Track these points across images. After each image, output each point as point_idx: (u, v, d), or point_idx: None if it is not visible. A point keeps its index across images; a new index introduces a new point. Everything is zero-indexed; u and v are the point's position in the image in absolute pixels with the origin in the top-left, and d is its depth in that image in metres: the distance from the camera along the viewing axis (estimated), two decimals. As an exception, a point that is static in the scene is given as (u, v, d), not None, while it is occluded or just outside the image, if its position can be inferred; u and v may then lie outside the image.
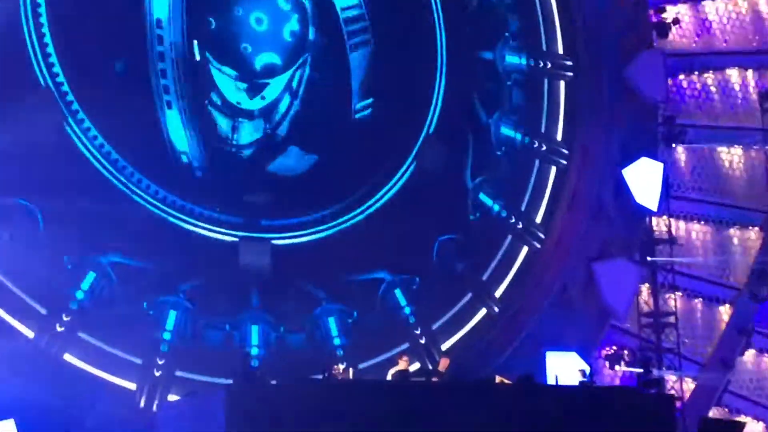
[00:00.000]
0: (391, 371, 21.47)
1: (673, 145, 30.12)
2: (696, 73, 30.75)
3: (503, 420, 19.49)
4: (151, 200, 25.36)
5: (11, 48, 24.30)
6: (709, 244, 30.55)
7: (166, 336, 24.89)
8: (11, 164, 23.79)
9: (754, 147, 30.51)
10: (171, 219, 25.50)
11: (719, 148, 30.67)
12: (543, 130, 29.02)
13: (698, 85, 30.88)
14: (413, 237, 27.09)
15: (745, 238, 30.78)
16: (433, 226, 27.59)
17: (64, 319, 24.06)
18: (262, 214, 26.32)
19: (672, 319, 29.12)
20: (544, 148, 28.80)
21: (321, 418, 18.38)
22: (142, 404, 24.29)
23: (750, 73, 30.94)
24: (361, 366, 25.62)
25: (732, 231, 30.70)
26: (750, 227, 30.70)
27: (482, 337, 27.27)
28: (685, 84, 30.79)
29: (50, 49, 24.53)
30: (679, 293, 29.70)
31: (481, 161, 28.51)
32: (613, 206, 28.79)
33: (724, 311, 30.24)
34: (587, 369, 23.61)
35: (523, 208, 28.66)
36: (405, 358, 21.99)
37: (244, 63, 26.35)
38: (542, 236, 28.40)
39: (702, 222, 30.59)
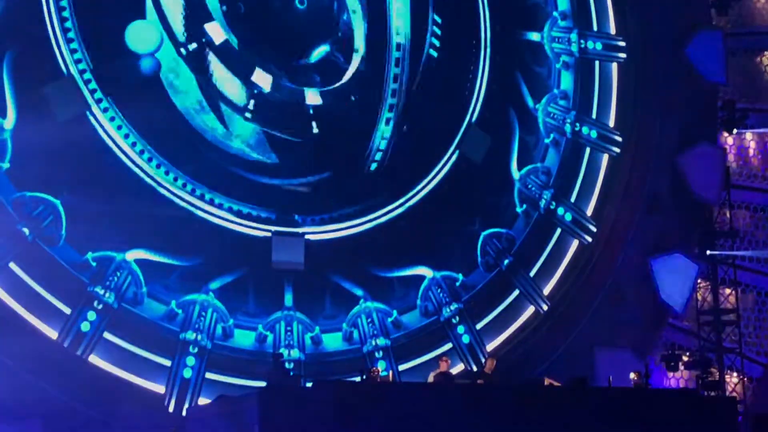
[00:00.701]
0: (432, 374, 20.83)
1: (735, 131, 29.25)
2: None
3: (552, 425, 18.94)
4: (179, 193, 24.64)
5: (32, 34, 23.88)
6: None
7: (196, 336, 24.00)
8: (32, 157, 23.36)
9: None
10: (200, 213, 24.80)
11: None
12: (594, 116, 28.13)
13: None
14: (456, 231, 26.71)
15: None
16: (477, 220, 27.05)
17: (89, 318, 23.33)
18: (296, 208, 25.57)
19: (733, 316, 28.44)
20: (595, 135, 27.78)
21: (359, 422, 18.05)
22: (171, 408, 23.61)
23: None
24: (402, 368, 25.16)
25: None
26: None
27: (530, 336, 26.53)
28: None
29: (72, 34, 23.97)
30: (741, 289, 28.94)
31: (527, 150, 27.87)
32: (670, 196, 28.02)
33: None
34: (643, 370, 22.53)
35: (573, 200, 27.74)
36: (446, 359, 21.42)
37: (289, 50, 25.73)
38: (593, 229, 27.51)
39: (765, 212, 29.47)
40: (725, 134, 29.37)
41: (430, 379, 21.12)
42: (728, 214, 28.65)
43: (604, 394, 21.64)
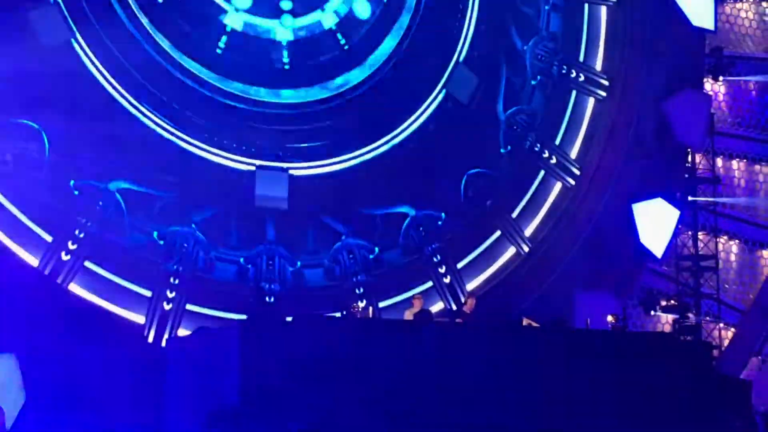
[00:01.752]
0: (407, 311, 20.78)
1: (721, 78, 28.99)
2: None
3: (530, 364, 18.87)
4: (164, 124, 24.33)
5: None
6: (755, 183, 29.49)
7: (177, 268, 23.87)
8: (15, 82, 22.97)
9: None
10: (184, 145, 24.55)
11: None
12: (581, 59, 27.96)
13: (749, 14, 29.81)
14: (440, 170, 26.50)
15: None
16: (461, 160, 26.78)
17: (70, 247, 23.24)
18: (281, 141, 25.32)
19: (712, 263, 28.51)
20: (582, 78, 27.72)
21: (339, 357, 17.78)
22: (150, 338, 23.58)
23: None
24: (382, 305, 25.09)
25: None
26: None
27: (510, 277, 26.52)
28: (734, 12, 29.70)
29: (59, -40, 23.59)
30: (721, 236, 28.91)
31: (514, 91, 27.60)
32: (654, 141, 27.81)
33: (768, 256, 29.23)
34: (620, 313, 22.56)
35: (557, 142, 27.64)
36: (419, 297, 21.30)
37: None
38: (577, 172, 27.47)
39: (748, 160, 29.54)
40: (711, 81, 29.23)
41: (406, 317, 21.12)
42: (711, 161, 28.59)
43: (581, 336, 21.77)
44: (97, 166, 23.73)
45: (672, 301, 27.39)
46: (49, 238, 23.10)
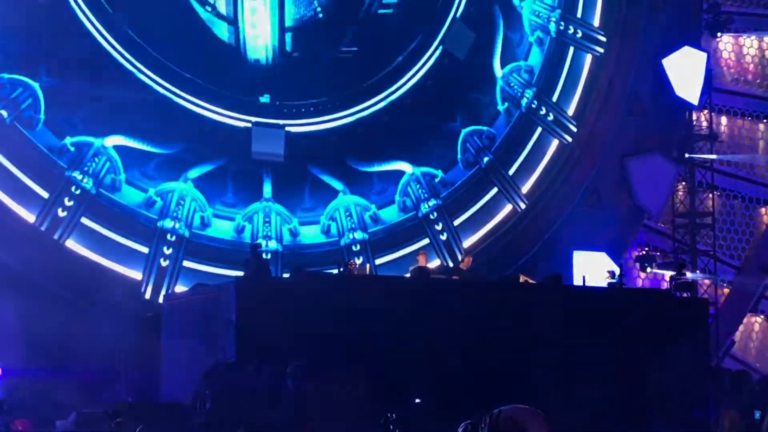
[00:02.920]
0: (411, 268, 20.77)
1: (719, 34, 28.72)
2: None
3: (527, 321, 18.88)
4: (160, 80, 24.09)
5: None
6: (752, 141, 29.32)
7: (174, 225, 23.86)
8: (10, 37, 22.96)
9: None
10: (179, 101, 24.36)
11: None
12: (579, 14, 27.62)
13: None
14: (437, 127, 26.40)
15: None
16: (458, 116, 26.70)
17: (67, 203, 23.19)
18: (277, 97, 25.17)
19: (709, 220, 28.37)
20: (580, 34, 27.43)
21: (335, 314, 17.79)
22: (147, 295, 23.55)
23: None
24: (378, 262, 25.07)
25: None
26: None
27: (506, 234, 26.35)
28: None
29: None
30: (718, 193, 28.81)
31: (511, 48, 27.38)
32: (651, 99, 27.70)
33: (765, 213, 29.04)
34: (617, 270, 22.65)
35: (554, 99, 27.32)
36: (423, 253, 21.26)
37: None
38: (574, 129, 27.19)
39: (746, 117, 29.34)
40: (709, 37, 29.05)
41: (408, 274, 21.12)
42: (709, 118, 28.41)
43: (578, 292, 21.80)
44: (93, 123, 23.60)
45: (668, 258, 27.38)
46: (45, 195, 23.02)
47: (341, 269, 20.29)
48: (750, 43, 29.79)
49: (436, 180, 26.15)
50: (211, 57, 24.88)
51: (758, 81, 29.70)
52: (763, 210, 29.29)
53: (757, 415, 14.11)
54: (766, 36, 29.34)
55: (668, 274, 25.62)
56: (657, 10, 27.41)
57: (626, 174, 27.27)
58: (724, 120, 29.31)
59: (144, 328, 21.52)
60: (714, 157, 28.36)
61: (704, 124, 28.44)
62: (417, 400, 17.26)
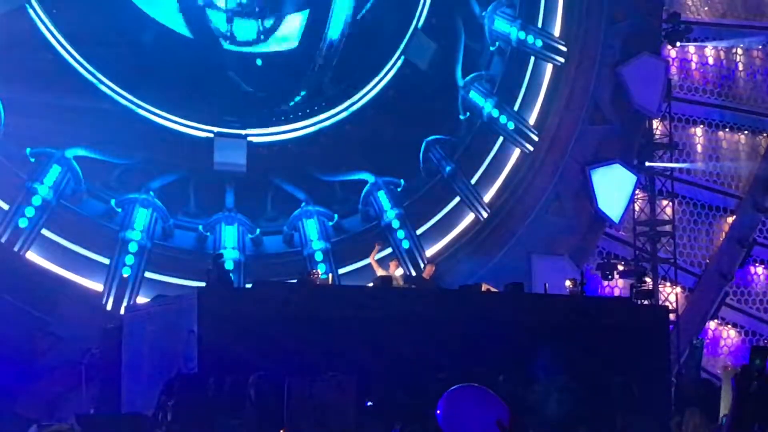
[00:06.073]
0: (373, 278, 20.75)
1: (677, 43, 28.94)
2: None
3: (489, 329, 18.85)
4: (121, 91, 24.06)
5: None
6: (712, 149, 29.62)
7: (135, 236, 23.84)
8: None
9: (760, 47, 29.41)
10: (140, 111, 24.32)
11: (725, 47, 29.43)
12: (540, 24, 27.84)
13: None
14: (399, 137, 26.27)
15: (751, 144, 29.83)
16: (420, 126, 26.71)
17: (27, 215, 22.92)
18: (239, 108, 25.13)
19: (669, 227, 28.53)
20: (541, 44, 27.51)
21: (298, 323, 17.67)
22: (109, 306, 23.37)
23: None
24: (341, 271, 25.06)
25: (737, 136, 29.77)
26: (757, 132, 29.77)
27: (469, 243, 26.45)
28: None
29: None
30: (678, 201, 28.80)
31: (472, 57, 27.53)
32: (612, 107, 27.90)
33: (725, 221, 29.30)
34: (578, 278, 22.64)
35: (516, 108, 27.51)
36: (395, 260, 21.23)
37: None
38: (535, 138, 27.35)
39: (705, 126, 29.63)
40: (668, 47, 29.31)
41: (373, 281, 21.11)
42: (668, 127, 28.69)
43: (539, 300, 21.86)
44: (54, 134, 23.43)
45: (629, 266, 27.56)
46: (5, 206, 22.88)
47: (303, 279, 20.26)
48: (709, 53, 30.09)
49: (399, 189, 26.20)
50: (174, 67, 24.80)
51: (717, 90, 30.00)
52: (722, 218, 29.52)
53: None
54: (724, 45, 29.61)
55: (629, 282, 25.84)
56: (616, 20, 27.63)
57: (587, 182, 27.39)
58: (683, 129, 29.54)
59: (105, 339, 21.34)
60: (674, 165, 28.60)
61: (658, 132, 28.63)
62: (368, 403, 17.24)
